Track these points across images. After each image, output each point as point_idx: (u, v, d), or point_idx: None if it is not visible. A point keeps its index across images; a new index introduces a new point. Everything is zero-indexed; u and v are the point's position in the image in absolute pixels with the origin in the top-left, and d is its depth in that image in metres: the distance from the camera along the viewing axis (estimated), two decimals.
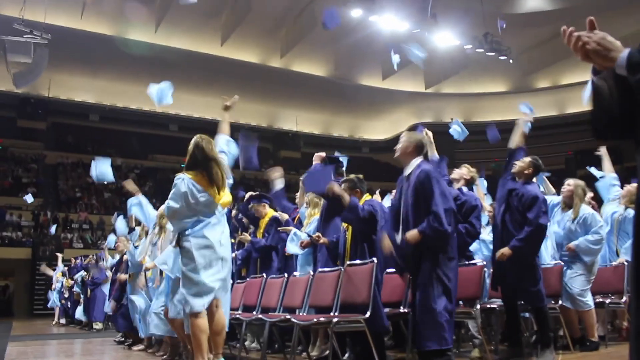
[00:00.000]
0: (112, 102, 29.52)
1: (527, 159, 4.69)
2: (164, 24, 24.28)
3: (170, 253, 4.45)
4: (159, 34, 24.82)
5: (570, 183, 5.21)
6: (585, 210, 5.10)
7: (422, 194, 3.83)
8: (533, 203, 4.42)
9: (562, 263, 4.93)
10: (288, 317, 4.24)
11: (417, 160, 4.01)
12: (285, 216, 6.07)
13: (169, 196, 3.68)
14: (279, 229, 5.83)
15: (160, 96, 4.86)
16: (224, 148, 4.03)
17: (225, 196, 3.77)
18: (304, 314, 4.65)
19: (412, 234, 3.79)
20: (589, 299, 4.91)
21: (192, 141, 3.83)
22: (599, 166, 6.46)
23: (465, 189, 5.06)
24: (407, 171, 4.03)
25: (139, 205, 5.93)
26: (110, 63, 26.25)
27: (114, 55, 25.09)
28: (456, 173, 5.22)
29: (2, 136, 25.89)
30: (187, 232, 3.68)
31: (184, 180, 3.63)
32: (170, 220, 3.79)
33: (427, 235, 3.74)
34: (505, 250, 4.41)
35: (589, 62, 1.49)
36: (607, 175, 6.25)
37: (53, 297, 14.91)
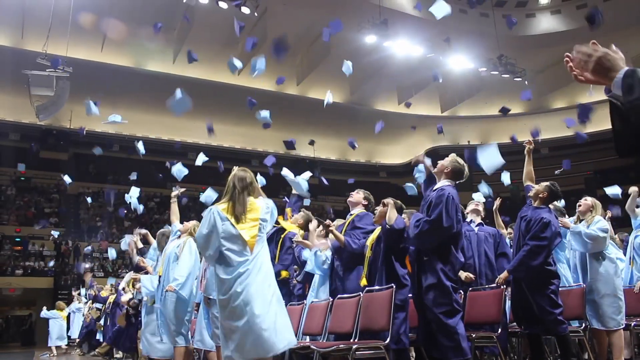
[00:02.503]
0: (131, 132, 29.97)
1: (544, 183, 4.65)
2: (181, 55, 24.74)
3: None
4: (176, 65, 25.31)
5: (588, 199, 5.11)
6: (598, 218, 4.96)
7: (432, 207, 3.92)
8: (537, 227, 4.39)
9: (584, 285, 4.82)
10: (308, 344, 4.22)
11: (446, 182, 4.07)
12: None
13: (199, 227, 3.73)
14: (295, 240, 5.64)
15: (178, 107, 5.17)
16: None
17: (250, 230, 3.64)
18: (324, 341, 4.62)
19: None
20: (620, 319, 4.72)
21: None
22: (620, 186, 6.35)
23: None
24: (435, 187, 4.11)
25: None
26: (130, 94, 26.76)
27: (133, 86, 25.63)
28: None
29: (25, 167, 26.40)
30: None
31: (210, 210, 3.69)
32: (201, 251, 3.77)
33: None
34: (503, 275, 4.53)
35: (594, 83, 1.49)
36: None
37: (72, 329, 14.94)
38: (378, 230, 4.61)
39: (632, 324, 5.08)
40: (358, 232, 4.83)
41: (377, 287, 4.32)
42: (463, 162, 4.17)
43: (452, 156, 4.20)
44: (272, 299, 3.53)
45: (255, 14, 20.71)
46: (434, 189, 4.10)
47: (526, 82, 24.51)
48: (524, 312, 4.43)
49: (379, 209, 4.67)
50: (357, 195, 5.12)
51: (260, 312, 3.48)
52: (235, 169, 3.87)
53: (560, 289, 4.61)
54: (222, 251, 3.59)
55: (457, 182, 4.18)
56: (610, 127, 1.54)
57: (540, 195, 4.60)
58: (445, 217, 3.82)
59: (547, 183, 4.65)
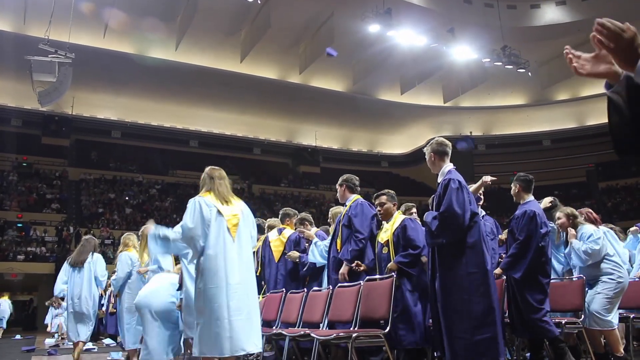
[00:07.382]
0: (133, 119, 29.98)
1: (514, 180, 4.68)
2: (184, 42, 24.67)
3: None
4: (179, 52, 25.24)
5: (560, 216, 5.00)
6: (586, 229, 4.87)
7: (441, 200, 3.82)
8: (522, 222, 4.38)
9: (584, 277, 4.79)
10: (308, 331, 4.25)
11: (446, 167, 3.96)
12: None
13: (183, 218, 3.69)
14: (299, 230, 5.77)
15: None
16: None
17: (233, 219, 3.72)
18: (324, 329, 4.64)
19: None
20: (611, 318, 4.64)
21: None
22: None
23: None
24: (438, 180, 3.97)
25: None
26: (132, 81, 26.73)
27: (136, 73, 25.59)
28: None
29: (27, 153, 26.45)
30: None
31: (194, 199, 3.72)
32: (187, 242, 3.70)
33: (427, 224, 3.85)
34: (497, 271, 4.40)
35: (595, 77, 1.45)
36: None
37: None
38: (392, 225, 4.66)
39: (632, 316, 5.08)
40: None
41: (377, 276, 4.35)
42: (435, 139, 4.11)
43: (426, 149, 4.10)
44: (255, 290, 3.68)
45: (259, 2, 20.59)
46: (439, 181, 3.96)
47: (530, 74, 24.40)
48: (516, 315, 4.35)
49: (386, 204, 4.74)
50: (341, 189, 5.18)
51: (256, 302, 3.61)
52: (208, 168, 3.96)
53: (553, 281, 4.61)
54: (208, 238, 3.60)
55: (449, 159, 4.05)
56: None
57: (517, 191, 4.64)
58: (455, 204, 3.70)
59: (515, 178, 4.69)
